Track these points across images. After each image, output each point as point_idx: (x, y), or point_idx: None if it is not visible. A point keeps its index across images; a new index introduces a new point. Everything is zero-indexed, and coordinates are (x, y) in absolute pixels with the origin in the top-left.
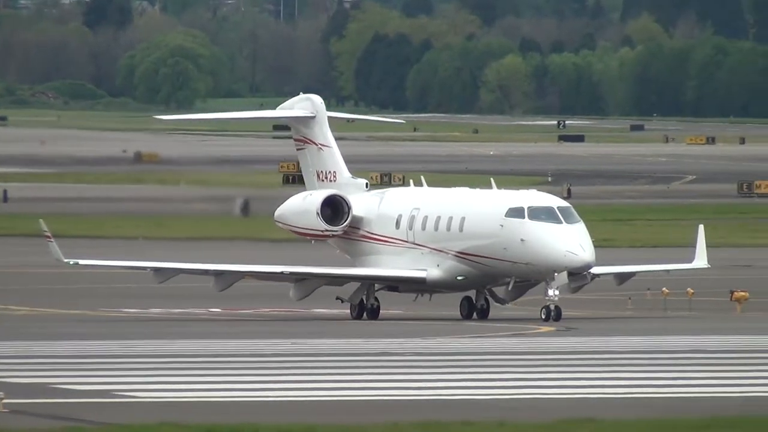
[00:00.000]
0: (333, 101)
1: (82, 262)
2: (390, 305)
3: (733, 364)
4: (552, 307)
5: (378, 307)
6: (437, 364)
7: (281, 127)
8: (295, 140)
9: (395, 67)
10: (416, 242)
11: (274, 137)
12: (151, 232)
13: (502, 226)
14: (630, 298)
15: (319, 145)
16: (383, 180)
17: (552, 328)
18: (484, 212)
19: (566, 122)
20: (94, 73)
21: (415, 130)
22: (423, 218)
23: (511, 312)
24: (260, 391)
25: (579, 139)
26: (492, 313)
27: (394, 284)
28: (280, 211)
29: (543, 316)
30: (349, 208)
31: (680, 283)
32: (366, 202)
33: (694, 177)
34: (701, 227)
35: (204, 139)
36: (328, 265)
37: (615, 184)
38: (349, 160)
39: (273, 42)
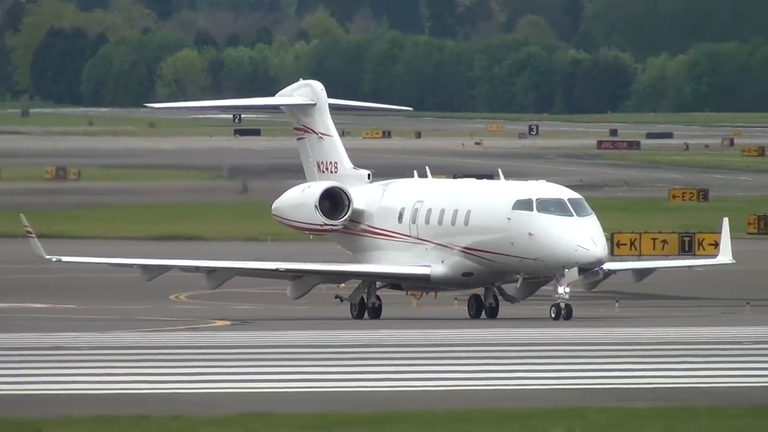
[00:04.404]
0: (8, 96)
1: (65, 258)
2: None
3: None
4: (562, 305)
5: (380, 306)
6: (111, 357)
7: None
8: (295, 129)
9: (71, 60)
10: (420, 237)
11: None
12: None
13: (509, 219)
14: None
15: (320, 134)
16: (59, 174)
17: (227, 323)
18: (491, 205)
19: (242, 116)
20: None
21: (90, 123)
22: (427, 211)
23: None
24: None
25: (255, 132)
26: (501, 312)
27: (397, 282)
28: (276, 204)
29: (553, 315)
30: (350, 201)
31: None
32: (368, 195)
33: (372, 171)
34: (725, 220)
35: None
36: (327, 261)
37: (292, 178)
38: (22, 154)
39: None
